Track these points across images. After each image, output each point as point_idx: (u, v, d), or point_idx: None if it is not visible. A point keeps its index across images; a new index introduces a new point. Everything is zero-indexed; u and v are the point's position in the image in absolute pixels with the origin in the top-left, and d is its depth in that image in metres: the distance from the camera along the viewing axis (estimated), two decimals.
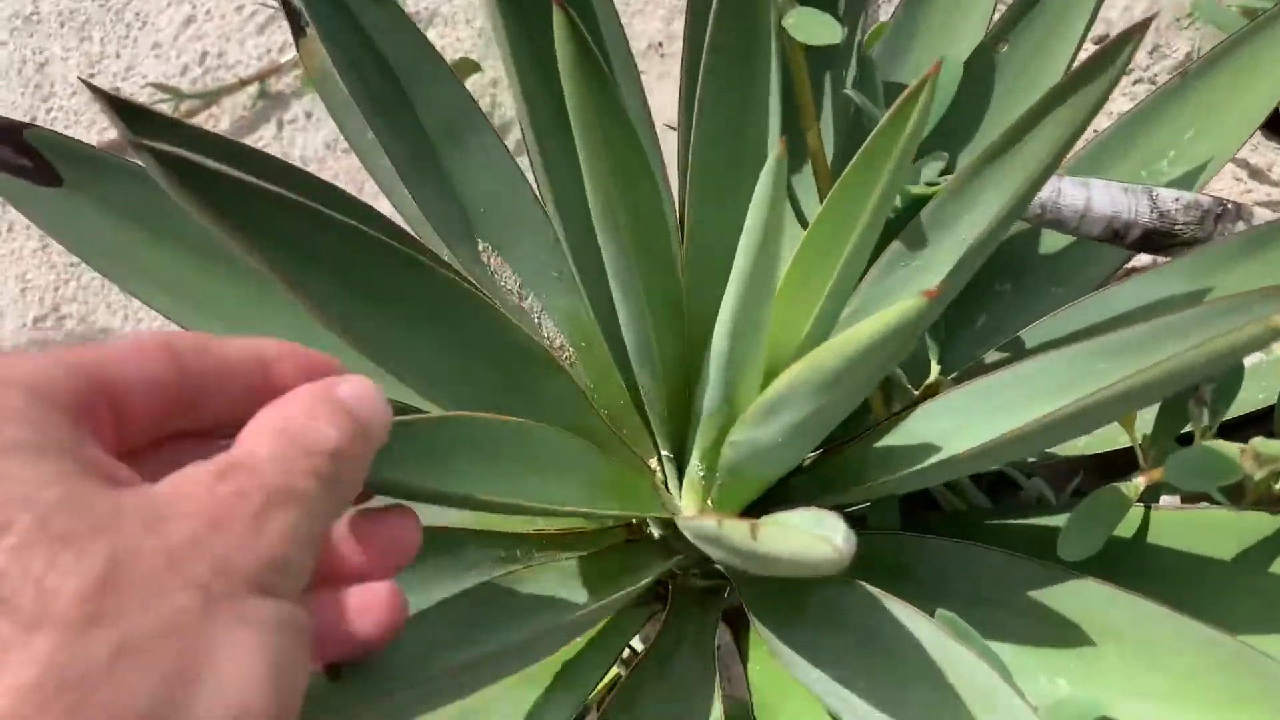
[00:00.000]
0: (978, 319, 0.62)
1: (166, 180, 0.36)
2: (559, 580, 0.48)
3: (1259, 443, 0.43)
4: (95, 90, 0.41)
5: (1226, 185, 0.70)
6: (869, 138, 0.42)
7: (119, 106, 0.47)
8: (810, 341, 0.50)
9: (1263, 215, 0.56)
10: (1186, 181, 0.58)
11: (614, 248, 0.46)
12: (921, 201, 0.49)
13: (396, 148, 0.54)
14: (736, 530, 0.35)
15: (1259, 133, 0.75)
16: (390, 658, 0.34)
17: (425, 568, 0.53)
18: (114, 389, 0.29)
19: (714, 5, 0.47)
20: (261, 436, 0.29)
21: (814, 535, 0.30)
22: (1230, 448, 0.43)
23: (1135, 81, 0.75)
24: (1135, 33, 0.40)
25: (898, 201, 0.52)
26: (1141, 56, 0.75)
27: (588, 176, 0.43)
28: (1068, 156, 0.60)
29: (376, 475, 0.33)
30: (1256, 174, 0.71)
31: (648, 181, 0.47)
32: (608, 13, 0.55)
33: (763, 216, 0.40)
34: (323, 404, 0.30)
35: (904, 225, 0.49)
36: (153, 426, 0.30)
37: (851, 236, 0.44)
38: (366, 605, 0.32)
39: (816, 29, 0.44)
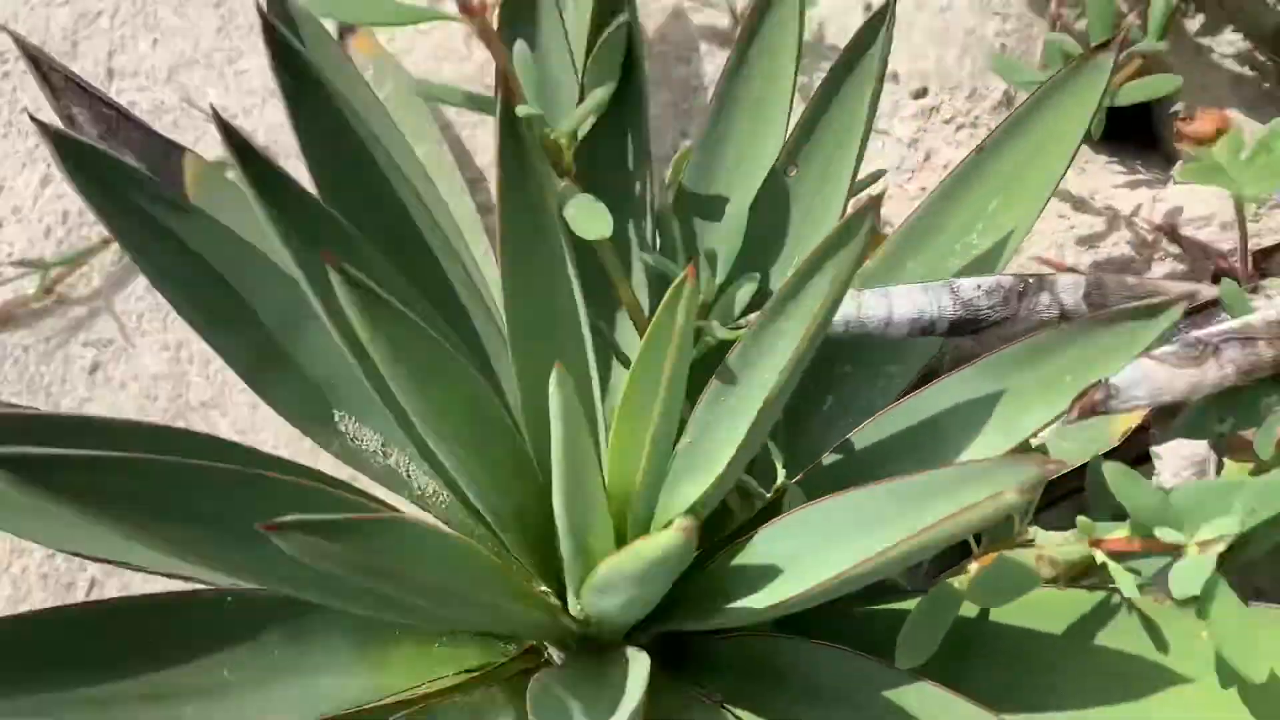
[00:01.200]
0: (826, 401, 0.65)
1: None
2: None
3: (1049, 543, 0.46)
4: None
5: (1051, 225, 0.72)
6: (649, 326, 0.45)
7: None
8: (649, 478, 0.52)
9: (1066, 283, 0.59)
10: (999, 250, 0.61)
11: (443, 446, 0.48)
12: (728, 344, 0.51)
13: (234, 354, 0.56)
14: None
15: (1086, 148, 0.78)
16: None
17: None
18: None
19: (498, 201, 0.49)
20: None
21: None
22: (1028, 556, 0.47)
23: (958, 129, 0.77)
24: (871, 206, 0.42)
25: (717, 338, 0.54)
26: (960, 102, 0.77)
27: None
28: (891, 235, 0.63)
29: None
30: (1080, 204, 0.74)
31: (467, 381, 0.50)
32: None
33: (563, 431, 0.43)
34: None
35: (718, 365, 0.52)
36: None
37: (655, 406, 0.47)
38: None
39: (591, 222, 0.47)
